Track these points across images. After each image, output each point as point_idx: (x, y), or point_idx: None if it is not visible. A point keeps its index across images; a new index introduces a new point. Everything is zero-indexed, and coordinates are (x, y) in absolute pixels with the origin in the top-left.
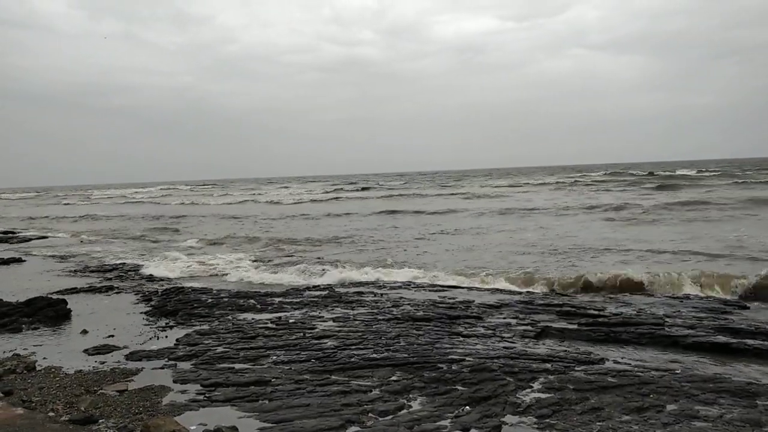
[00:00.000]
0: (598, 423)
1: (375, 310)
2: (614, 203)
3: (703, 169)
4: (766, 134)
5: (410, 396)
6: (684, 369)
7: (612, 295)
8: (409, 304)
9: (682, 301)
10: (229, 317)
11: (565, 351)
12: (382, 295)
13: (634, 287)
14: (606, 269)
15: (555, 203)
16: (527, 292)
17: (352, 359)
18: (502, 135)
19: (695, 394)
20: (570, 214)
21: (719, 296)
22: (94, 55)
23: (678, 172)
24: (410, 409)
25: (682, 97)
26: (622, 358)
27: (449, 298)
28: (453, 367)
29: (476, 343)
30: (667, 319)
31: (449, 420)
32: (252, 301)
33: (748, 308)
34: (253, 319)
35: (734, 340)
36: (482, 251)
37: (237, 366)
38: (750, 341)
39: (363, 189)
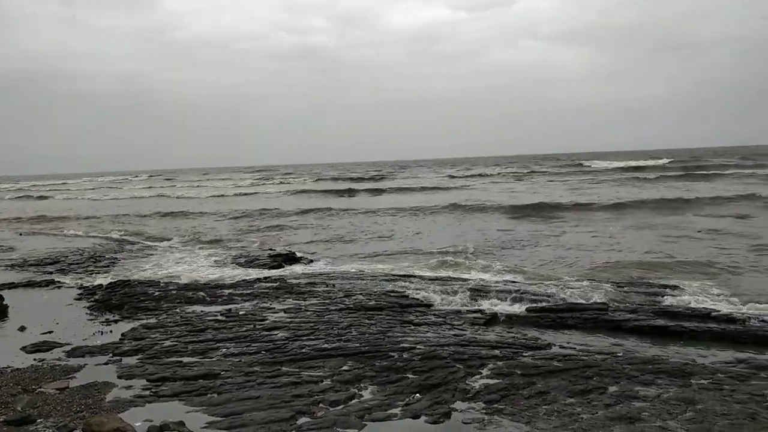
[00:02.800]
0: (544, 406)
1: (327, 301)
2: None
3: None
4: (710, 124)
5: (361, 385)
6: (625, 352)
7: (560, 282)
8: (361, 293)
9: (624, 287)
10: (177, 310)
11: (514, 337)
12: (334, 285)
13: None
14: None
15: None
16: (479, 279)
17: (303, 350)
18: (456, 124)
19: (635, 376)
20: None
21: (660, 282)
22: (33, 39)
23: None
24: (361, 399)
25: (630, 88)
26: (567, 342)
27: (401, 287)
28: (404, 356)
29: (427, 331)
30: (610, 305)
31: (400, 408)
32: (201, 293)
33: (682, 289)
34: (202, 311)
35: (672, 323)
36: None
37: (185, 360)
38: (686, 324)
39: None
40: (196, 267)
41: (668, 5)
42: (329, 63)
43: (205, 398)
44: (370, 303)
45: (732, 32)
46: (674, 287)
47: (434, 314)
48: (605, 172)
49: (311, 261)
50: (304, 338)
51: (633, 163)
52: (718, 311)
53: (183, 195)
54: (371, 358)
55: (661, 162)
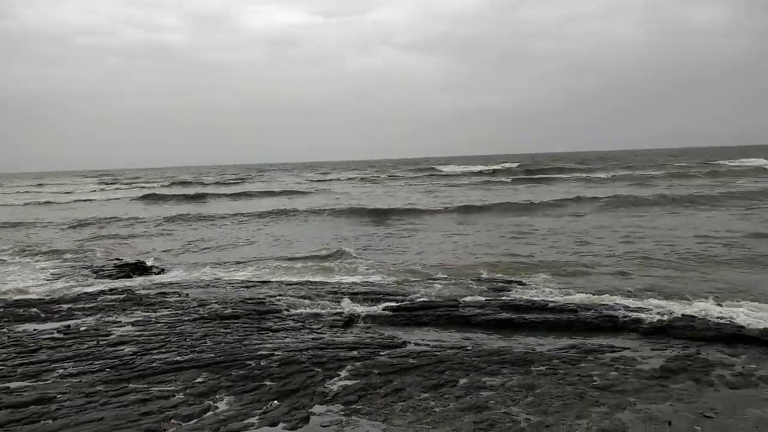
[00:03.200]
0: (400, 403)
1: (180, 311)
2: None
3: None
4: (551, 132)
5: (217, 397)
6: (474, 345)
7: (416, 281)
8: (216, 302)
9: (474, 284)
10: (5, 330)
11: (371, 337)
12: (188, 294)
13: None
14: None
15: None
16: (338, 281)
17: (154, 364)
18: (317, 128)
19: (483, 367)
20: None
21: (506, 278)
22: None
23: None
24: (216, 410)
25: (479, 96)
26: (422, 339)
27: (259, 294)
28: (262, 363)
29: (285, 337)
30: (461, 301)
31: (257, 417)
32: (35, 309)
33: (524, 284)
34: (35, 329)
35: (515, 316)
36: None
37: (13, 385)
38: (527, 315)
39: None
40: (30, 281)
41: (509, 22)
42: (183, 63)
43: (37, 426)
44: (226, 311)
45: (566, 49)
46: (519, 283)
47: (293, 319)
48: (459, 176)
49: (163, 270)
50: (154, 352)
51: (483, 168)
52: (555, 302)
53: (12, 202)
54: (227, 368)
55: (508, 166)
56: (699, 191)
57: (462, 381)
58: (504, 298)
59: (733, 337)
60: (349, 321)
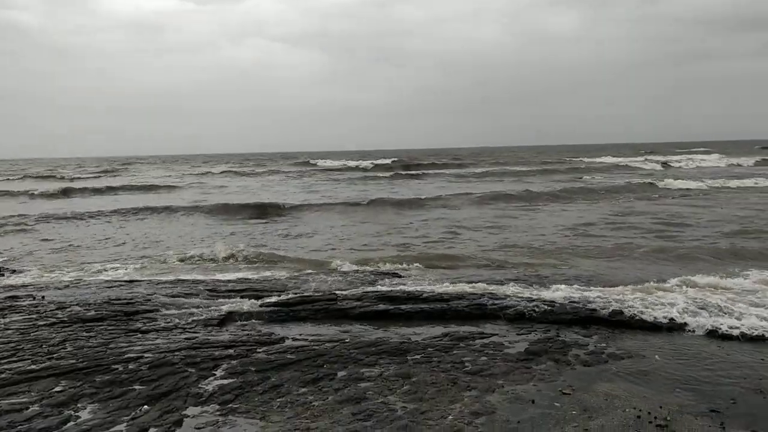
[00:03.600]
0: (278, 399)
1: (35, 315)
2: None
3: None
4: (425, 129)
5: (78, 405)
6: (352, 337)
7: (293, 275)
8: (78, 304)
9: (353, 275)
10: None
11: (248, 334)
12: (44, 297)
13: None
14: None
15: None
16: (214, 279)
17: (3, 375)
18: (187, 119)
19: (361, 359)
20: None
21: (384, 270)
22: None
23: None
24: (78, 420)
25: (353, 92)
26: (300, 334)
27: (127, 294)
28: (130, 367)
29: (156, 338)
30: (339, 294)
31: (125, 424)
32: None
33: (401, 276)
34: None
35: (392, 307)
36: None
37: None
38: (403, 306)
39: None
40: None
41: (381, 21)
42: (36, 46)
43: None
44: (89, 314)
45: (438, 49)
46: (395, 274)
47: (164, 319)
48: (340, 170)
49: (14, 272)
50: (3, 362)
51: (363, 163)
52: (429, 293)
53: None
54: (90, 374)
55: (384, 161)
56: (560, 186)
57: (340, 373)
58: (381, 289)
59: (587, 319)
60: (225, 319)
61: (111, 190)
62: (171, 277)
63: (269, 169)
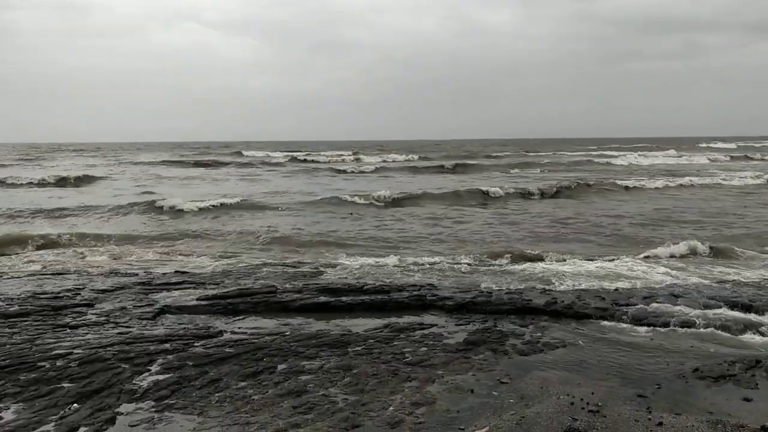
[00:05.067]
0: (216, 394)
1: None
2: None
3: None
4: (370, 119)
5: (1, 405)
6: (293, 330)
7: (230, 268)
8: None
9: (294, 267)
10: None
11: (185, 328)
12: None
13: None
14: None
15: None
16: (147, 271)
17: None
18: (117, 105)
19: (302, 351)
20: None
21: (323, 261)
22: None
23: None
24: (1, 421)
25: (292, 81)
26: (239, 328)
27: (54, 287)
28: (58, 364)
29: (87, 333)
30: (279, 287)
31: (53, 424)
32: None
33: (340, 267)
34: None
35: (333, 299)
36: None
37: None
38: (344, 298)
39: None
40: None
41: (321, 10)
42: None
43: None
44: (11, 309)
45: (378, 40)
46: (334, 265)
47: (95, 313)
48: (282, 164)
49: None
50: None
51: (299, 155)
52: (370, 284)
53: None
54: (14, 373)
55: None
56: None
57: (281, 367)
58: (321, 281)
59: (523, 309)
60: (161, 312)
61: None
62: (104, 269)
63: (217, 160)
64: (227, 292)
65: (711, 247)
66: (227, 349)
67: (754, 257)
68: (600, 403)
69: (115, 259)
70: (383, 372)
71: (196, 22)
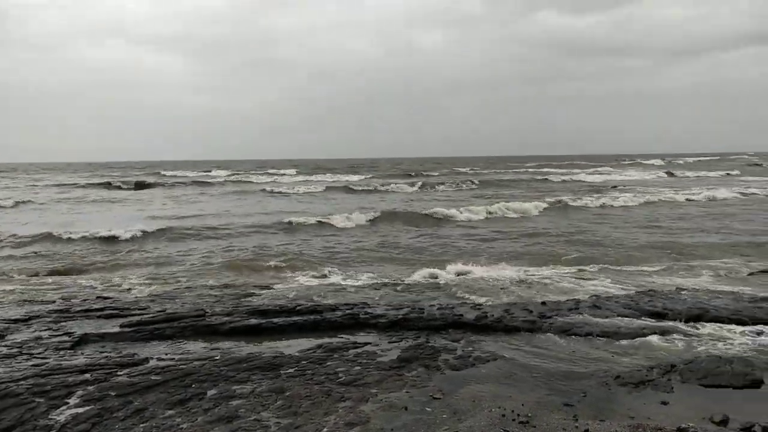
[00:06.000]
0: (141, 425)
1: None
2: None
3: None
4: (295, 137)
5: None
6: (223, 354)
7: (159, 293)
8: None
9: (222, 290)
10: None
11: (107, 357)
12: None
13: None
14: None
15: None
16: (62, 299)
17: None
18: (41, 123)
19: (232, 376)
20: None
21: (252, 282)
22: None
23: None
24: None
25: (223, 100)
26: (166, 354)
27: None
28: None
29: None
30: (208, 310)
31: None
32: None
33: (272, 289)
34: None
35: (264, 321)
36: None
37: None
38: (276, 319)
39: None
40: None
41: (252, 28)
42: None
43: None
44: None
45: (311, 59)
46: (267, 287)
47: (6, 345)
48: (221, 184)
49: None
50: None
51: (224, 173)
52: (304, 305)
53: None
54: None
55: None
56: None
57: (210, 392)
58: (253, 303)
59: (455, 324)
60: (80, 341)
61: None
62: (14, 297)
63: (148, 181)
64: (153, 317)
65: (620, 262)
66: (153, 377)
67: (668, 269)
68: (530, 414)
69: (28, 286)
70: (316, 393)
71: (122, 37)
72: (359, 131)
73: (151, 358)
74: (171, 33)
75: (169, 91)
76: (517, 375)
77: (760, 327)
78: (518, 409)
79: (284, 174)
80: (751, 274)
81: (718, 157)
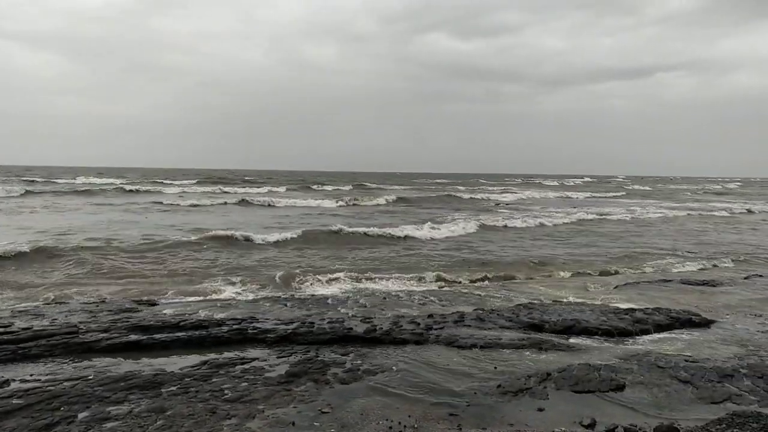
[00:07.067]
0: None
1: None
2: None
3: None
4: (179, 145)
5: None
6: (97, 373)
7: (26, 308)
8: None
9: (98, 305)
10: None
11: None
12: None
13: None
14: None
15: None
16: None
17: None
18: None
19: (107, 396)
20: None
21: (134, 297)
22: None
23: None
24: None
25: (103, 104)
26: (31, 375)
27: None
28: None
29: None
30: (81, 326)
31: None
32: None
33: (157, 305)
34: None
35: (145, 337)
36: None
37: None
38: (158, 335)
39: None
40: None
41: (137, 30)
42: None
43: None
44: None
45: (201, 67)
46: (150, 303)
47: None
48: (104, 192)
49: None
50: None
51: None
52: (188, 320)
53: None
54: None
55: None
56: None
57: (82, 415)
58: (132, 319)
59: (344, 338)
60: None
61: None
62: None
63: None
64: (17, 335)
65: (501, 275)
66: (15, 401)
67: (538, 281)
68: (416, 425)
69: None
70: (200, 411)
71: None
72: (252, 141)
73: (14, 380)
74: (48, 30)
75: (42, 92)
76: (405, 386)
77: (622, 337)
78: (405, 421)
79: (172, 184)
80: (616, 287)
81: (597, 180)
